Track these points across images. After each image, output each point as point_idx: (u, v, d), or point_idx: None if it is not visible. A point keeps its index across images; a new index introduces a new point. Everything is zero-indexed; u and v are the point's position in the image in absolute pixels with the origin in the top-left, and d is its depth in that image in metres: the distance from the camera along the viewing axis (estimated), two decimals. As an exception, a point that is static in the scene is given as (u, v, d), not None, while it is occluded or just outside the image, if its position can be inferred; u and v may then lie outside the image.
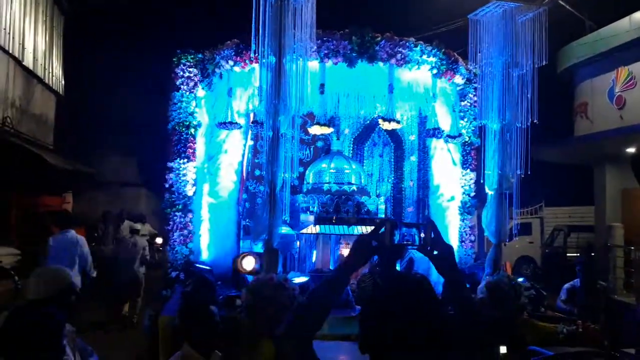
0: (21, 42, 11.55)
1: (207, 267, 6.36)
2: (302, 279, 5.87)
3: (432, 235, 1.63)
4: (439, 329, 1.43)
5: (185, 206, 6.77)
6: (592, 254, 12.37)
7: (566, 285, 6.26)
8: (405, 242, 1.64)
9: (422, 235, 1.63)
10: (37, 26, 12.72)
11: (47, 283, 2.63)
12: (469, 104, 7.32)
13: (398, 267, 6.07)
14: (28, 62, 12.00)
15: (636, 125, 11.84)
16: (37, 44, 12.74)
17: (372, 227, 1.65)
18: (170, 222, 6.78)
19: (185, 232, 6.76)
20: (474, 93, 7.16)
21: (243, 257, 6.08)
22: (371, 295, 1.51)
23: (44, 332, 2.12)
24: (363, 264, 1.58)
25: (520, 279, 5.77)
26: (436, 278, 1.96)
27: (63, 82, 15.00)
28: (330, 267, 6.83)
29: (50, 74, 13.88)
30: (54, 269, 2.76)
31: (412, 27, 10.48)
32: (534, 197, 16.69)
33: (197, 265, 6.44)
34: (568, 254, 15.46)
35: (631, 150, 12.62)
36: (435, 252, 1.63)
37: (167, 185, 6.82)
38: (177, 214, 6.76)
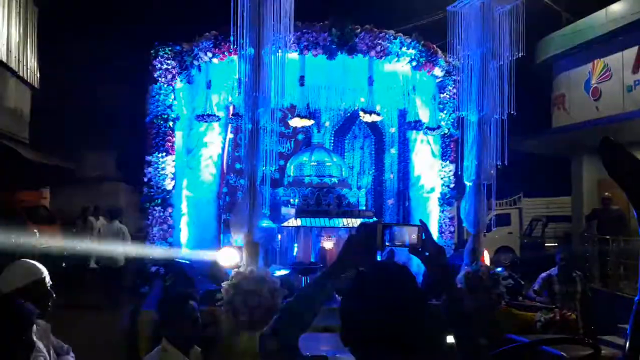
0: (-6, 34, 11.28)
1: (187, 262, 6.32)
2: (283, 272, 5.88)
3: (423, 237, 1.63)
4: (421, 319, 1.43)
5: (164, 200, 6.70)
6: (570, 243, 12.59)
7: (542, 275, 6.35)
8: (396, 244, 1.64)
9: (413, 236, 1.64)
10: (10, 18, 12.41)
11: (18, 275, 2.59)
12: (448, 96, 7.37)
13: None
14: (1, 54, 11.72)
15: (611, 117, 12.04)
16: (11, 36, 12.43)
17: (357, 222, 1.65)
18: (150, 217, 6.70)
19: (165, 226, 6.70)
20: (453, 85, 7.22)
21: (224, 251, 6.02)
22: (352, 284, 1.50)
23: (11, 324, 2.07)
24: (353, 266, 1.56)
25: (499, 269, 5.86)
26: (416, 269, 1.96)
27: (38, 75, 14.68)
28: (312, 260, 6.84)
29: (25, 66, 13.57)
30: (28, 262, 2.70)
31: (392, 20, 10.48)
32: (512, 188, 16.93)
33: (177, 259, 6.39)
34: (546, 244, 15.72)
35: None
36: (426, 254, 1.63)
37: (145, 180, 6.74)
38: (156, 208, 6.68)
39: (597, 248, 10.07)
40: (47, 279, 2.66)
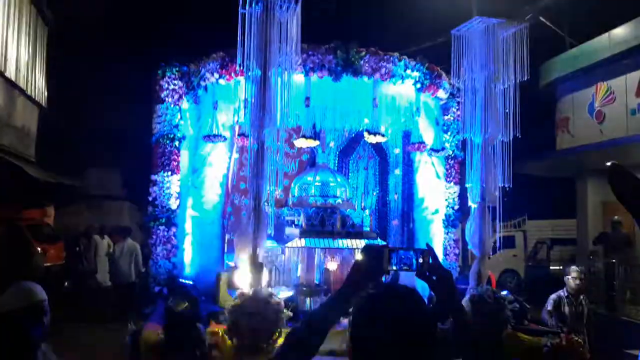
0: (3, 53, 11.42)
1: (191, 282, 6.29)
2: (287, 294, 5.83)
3: (431, 261, 1.62)
4: (430, 343, 1.42)
5: (168, 220, 6.70)
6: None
7: (552, 296, 6.29)
8: (402, 268, 1.63)
9: (420, 260, 1.63)
10: (20, 37, 12.59)
11: (17, 296, 2.58)
12: (452, 118, 7.40)
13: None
14: (10, 73, 11.85)
15: (615, 140, 12.05)
16: (20, 55, 12.60)
17: (361, 243, 1.65)
18: (154, 236, 6.70)
19: (169, 246, 6.69)
20: (457, 107, 7.26)
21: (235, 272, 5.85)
22: (362, 307, 1.48)
23: (16, 346, 2.06)
24: (360, 291, 1.55)
25: (504, 292, 5.80)
26: (421, 291, 1.94)
27: (46, 93, 14.83)
28: (316, 282, 6.80)
29: (33, 85, 13.71)
30: (27, 284, 2.69)
31: (396, 42, 10.60)
32: (517, 211, 16.86)
33: (181, 280, 6.36)
34: (551, 267, 15.59)
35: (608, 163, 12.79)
36: (434, 278, 1.62)
37: (150, 199, 6.75)
38: (160, 227, 6.68)
39: (603, 271, 9.99)
40: (46, 302, 2.65)
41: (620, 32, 12.51)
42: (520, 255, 16.57)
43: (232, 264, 6.43)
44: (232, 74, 6.39)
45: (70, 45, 16.11)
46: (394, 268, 1.62)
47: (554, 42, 14.83)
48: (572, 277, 6.14)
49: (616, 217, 10.64)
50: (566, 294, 6.09)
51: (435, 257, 1.63)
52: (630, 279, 9.20)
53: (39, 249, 10.56)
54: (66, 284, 10.97)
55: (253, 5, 5.02)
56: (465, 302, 4.29)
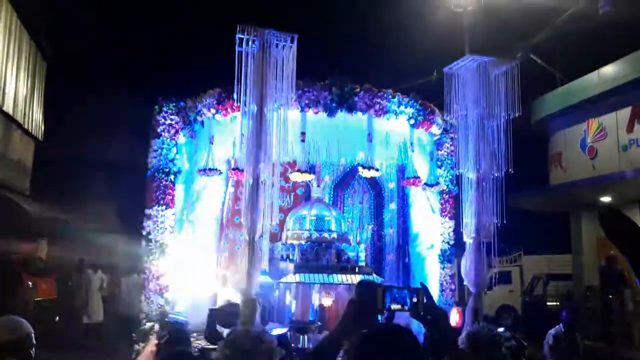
0: (2, 87, 11.53)
1: (183, 318, 6.19)
2: (280, 331, 5.75)
3: (425, 301, 1.62)
4: None
5: (162, 254, 6.63)
6: (572, 302, 12.39)
7: (551, 331, 6.24)
8: (396, 308, 1.62)
9: (414, 299, 1.62)
10: (19, 72, 12.74)
11: (3, 331, 2.56)
12: (445, 153, 7.47)
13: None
14: (8, 107, 11.94)
15: (608, 175, 12.16)
16: (18, 90, 12.72)
17: (356, 278, 1.64)
18: (147, 271, 6.61)
19: (162, 281, 6.60)
20: (451, 142, 7.33)
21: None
22: (357, 348, 1.46)
23: None
24: (355, 331, 1.53)
25: (501, 329, 5.73)
26: (417, 328, 1.92)
27: (43, 127, 14.91)
28: (310, 318, 6.71)
29: (30, 119, 13.79)
30: (14, 318, 2.68)
31: (390, 79, 10.78)
32: (512, 246, 16.81)
33: (173, 315, 6.26)
34: (548, 302, 15.45)
35: (605, 199, 12.90)
36: (428, 317, 1.62)
37: (144, 233, 6.70)
38: (153, 262, 6.61)
39: (600, 307, 9.92)
40: (32, 335, 2.63)
41: (609, 70, 12.80)
42: (517, 291, 16.43)
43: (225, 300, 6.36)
44: (229, 110, 6.45)
45: (68, 79, 16.31)
46: (392, 307, 1.61)
47: (545, 79, 15.12)
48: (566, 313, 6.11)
49: (612, 252, 10.63)
50: (562, 330, 6.04)
51: (429, 296, 1.63)
52: (627, 314, 9.12)
53: (30, 283, 10.43)
54: (57, 318, 10.77)
55: (250, 43, 5.12)
56: (461, 339, 4.23)
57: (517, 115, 5.82)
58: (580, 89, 13.60)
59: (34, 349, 2.63)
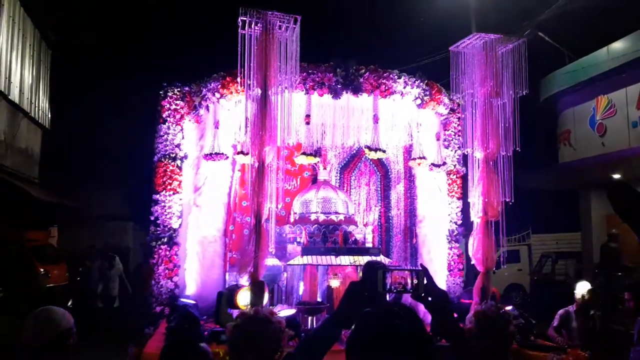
0: (7, 77, 11.55)
1: (192, 302, 6.25)
2: (289, 312, 5.79)
3: (425, 282, 1.62)
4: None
5: (170, 239, 6.69)
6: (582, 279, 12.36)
7: (560, 311, 6.23)
8: (397, 289, 1.62)
9: (415, 281, 1.62)
10: (24, 60, 12.75)
11: (45, 327, 2.50)
12: (452, 133, 7.41)
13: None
14: (14, 96, 11.98)
15: (617, 152, 12.05)
16: (24, 78, 12.75)
17: (364, 260, 1.64)
18: (156, 256, 6.68)
19: (171, 265, 6.67)
20: (457, 122, 7.27)
21: (238, 292, 5.75)
22: (358, 328, 1.46)
23: None
24: (356, 311, 1.53)
25: (509, 308, 5.74)
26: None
27: (49, 115, 14.97)
28: (318, 299, 6.75)
29: (37, 107, 13.85)
30: (53, 311, 2.60)
31: (396, 59, 10.68)
32: (521, 224, 16.77)
33: (182, 299, 6.32)
34: (557, 281, 15.46)
35: (614, 176, 12.80)
36: (429, 299, 1.62)
37: (152, 218, 6.76)
38: (162, 247, 6.67)
39: (605, 285, 9.89)
40: (72, 325, 2.61)
41: (618, 45, 12.60)
42: (525, 270, 16.44)
43: (233, 282, 6.41)
44: (233, 93, 6.44)
45: (74, 67, 16.31)
46: (392, 289, 1.61)
47: (553, 57, 14.92)
48: (580, 291, 6.09)
49: (614, 229, 10.57)
50: (575, 309, 6.02)
51: (430, 277, 1.63)
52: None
53: (42, 269, 10.58)
54: (69, 304, 10.94)
55: (252, 26, 5.07)
56: (469, 318, 4.24)
57: (524, 93, 5.76)
58: (589, 65, 13.41)
59: (73, 340, 2.62)
